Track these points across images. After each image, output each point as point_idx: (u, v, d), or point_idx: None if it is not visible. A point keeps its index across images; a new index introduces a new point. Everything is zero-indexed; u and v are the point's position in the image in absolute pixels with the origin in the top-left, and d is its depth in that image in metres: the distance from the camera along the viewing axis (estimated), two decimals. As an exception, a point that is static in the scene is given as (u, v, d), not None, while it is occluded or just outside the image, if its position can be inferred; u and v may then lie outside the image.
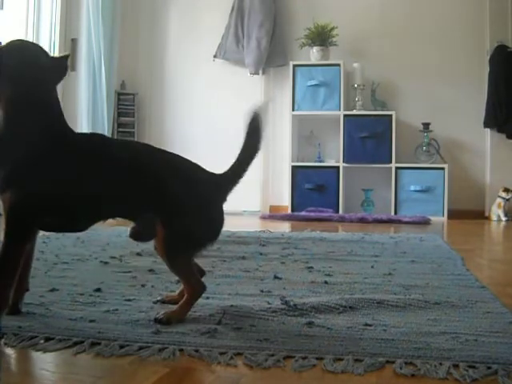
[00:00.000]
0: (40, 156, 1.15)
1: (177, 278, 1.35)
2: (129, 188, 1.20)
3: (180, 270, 1.23)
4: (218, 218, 1.27)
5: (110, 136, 5.12)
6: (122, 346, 1.02)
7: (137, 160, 1.23)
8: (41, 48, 1.23)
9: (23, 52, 1.19)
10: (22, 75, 1.17)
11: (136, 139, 5.41)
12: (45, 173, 1.14)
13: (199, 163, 1.29)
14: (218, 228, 1.27)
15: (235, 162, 1.30)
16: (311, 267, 1.93)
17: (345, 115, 4.94)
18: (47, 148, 1.16)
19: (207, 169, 1.29)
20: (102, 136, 1.29)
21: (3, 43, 1.21)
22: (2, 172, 1.13)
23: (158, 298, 1.38)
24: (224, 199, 1.29)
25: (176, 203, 1.20)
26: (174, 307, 1.24)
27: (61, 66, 1.23)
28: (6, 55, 1.17)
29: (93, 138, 1.28)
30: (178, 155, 1.28)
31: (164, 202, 1.20)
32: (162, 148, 1.29)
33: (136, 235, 1.26)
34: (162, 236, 1.18)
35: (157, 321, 1.17)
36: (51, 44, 5.11)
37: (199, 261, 1.37)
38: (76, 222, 1.24)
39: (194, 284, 1.23)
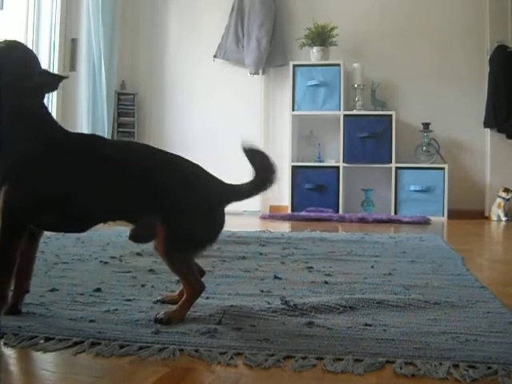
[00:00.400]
0: (35, 154, 1.16)
1: (177, 278, 1.35)
2: (128, 188, 1.20)
3: (180, 269, 1.23)
4: (217, 219, 1.27)
5: (109, 137, 5.13)
6: (122, 346, 1.03)
7: (136, 160, 1.24)
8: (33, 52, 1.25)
9: (22, 52, 1.21)
10: (20, 76, 1.17)
11: (136, 139, 5.41)
12: (39, 171, 1.15)
13: (199, 163, 1.29)
14: (217, 229, 1.27)
15: (250, 182, 1.31)
16: (311, 267, 1.93)
17: (345, 115, 4.94)
18: (43, 147, 1.17)
19: (209, 169, 1.29)
20: (99, 137, 1.29)
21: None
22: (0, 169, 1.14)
23: (158, 298, 1.38)
24: (224, 203, 1.29)
25: (176, 203, 1.20)
26: (174, 307, 1.24)
27: (52, 83, 1.23)
28: (6, 55, 1.18)
29: (90, 138, 1.28)
30: (178, 156, 1.28)
31: (164, 202, 1.20)
32: (162, 148, 1.29)
33: (136, 237, 1.26)
34: (162, 236, 1.19)
35: (157, 321, 1.17)
36: (51, 44, 5.11)
37: (199, 261, 1.37)
38: (73, 222, 1.24)
39: (194, 283, 1.23)
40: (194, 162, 1.29)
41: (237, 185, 1.30)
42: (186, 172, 1.26)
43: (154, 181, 1.21)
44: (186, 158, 1.29)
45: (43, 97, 1.23)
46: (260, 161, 1.32)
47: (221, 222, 1.27)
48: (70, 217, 1.21)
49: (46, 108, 1.24)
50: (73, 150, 1.20)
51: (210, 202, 1.26)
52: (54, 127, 1.21)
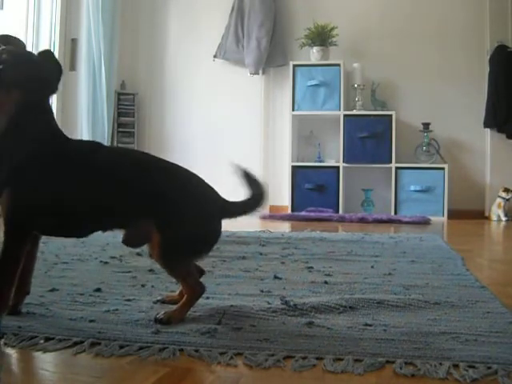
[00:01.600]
0: (37, 159, 1.16)
1: (177, 278, 1.35)
2: (124, 192, 1.20)
3: (177, 273, 1.24)
4: (213, 227, 1.27)
5: (109, 137, 5.13)
6: (121, 346, 1.03)
7: (133, 165, 1.24)
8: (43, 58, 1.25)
9: (31, 60, 1.21)
10: (29, 81, 1.18)
11: (136, 139, 5.41)
12: (40, 176, 1.16)
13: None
14: (213, 237, 1.27)
15: (243, 202, 1.33)
16: (311, 267, 1.93)
17: (345, 115, 4.94)
18: (44, 152, 1.17)
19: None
20: (98, 143, 1.30)
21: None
22: (2, 173, 1.14)
23: (158, 298, 1.38)
24: (220, 213, 1.28)
25: (172, 208, 1.20)
26: (174, 307, 1.24)
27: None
28: (15, 61, 1.18)
29: (89, 144, 1.29)
30: (177, 164, 1.29)
31: (160, 207, 1.19)
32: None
33: (129, 241, 1.26)
34: (157, 241, 1.18)
35: (157, 321, 1.17)
36: (51, 44, 5.11)
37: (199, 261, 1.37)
38: (71, 227, 1.24)
39: (193, 285, 1.24)
40: (192, 171, 1.29)
41: (232, 201, 1.31)
42: (184, 179, 1.27)
43: (150, 185, 1.21)
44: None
45: (48, 100, 1.24)
46: (254, 189, 1.34)
47: (217, 230, 1.27)
48: (68, 221, 1.21)
49: (50, 109, 1.24)
50: (72, 155, 1.20)
51: (206, 209, 1.26)
52: (54, 131, 1.22)
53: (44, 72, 1.21)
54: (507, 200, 4.79)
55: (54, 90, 1.24)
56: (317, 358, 0.98)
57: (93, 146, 1.26)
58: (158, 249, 1.19)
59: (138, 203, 1.20)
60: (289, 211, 4.88)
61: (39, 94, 1.21)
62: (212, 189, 1.29)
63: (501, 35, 4.92)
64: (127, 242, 1.27)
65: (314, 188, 4.89)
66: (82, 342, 1.04)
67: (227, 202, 1.30)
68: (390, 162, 4.84)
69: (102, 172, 1.20)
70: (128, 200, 1.20)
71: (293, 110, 5.03)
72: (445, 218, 4.68)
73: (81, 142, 1.32)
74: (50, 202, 1.16)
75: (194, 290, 1.24)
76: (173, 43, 5.63)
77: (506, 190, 4.80)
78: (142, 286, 1.57)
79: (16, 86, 1.17)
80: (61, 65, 1.26)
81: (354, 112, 5.01)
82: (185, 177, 1.27)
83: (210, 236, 1.26)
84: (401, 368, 0.94)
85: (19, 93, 1.17)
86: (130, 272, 1.79)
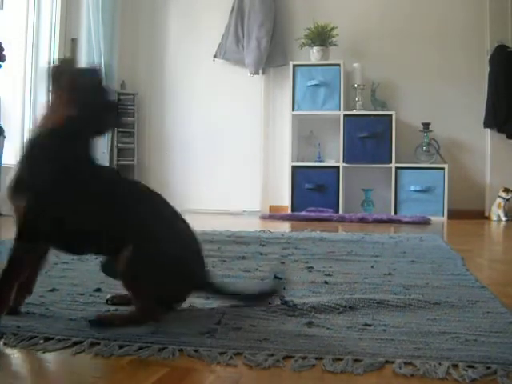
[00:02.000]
0: (59, 175, 1.16)
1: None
2: (122, 222, 1.19)
3: (136, 290, 1.18)
4: (182, 280, 1.22)
5: (109, 137, 5.12)
6: (121, 346, 1.02)
7: (140, 200, 1.23)
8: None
9: (107, 93, 1.27)
10: (90, 99, 1.23)
11: (136, 139, 5.41)
12: (54, 197, 1.15)
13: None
14: (181, 287, 1.23)
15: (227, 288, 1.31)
16: (311, 267, 1.93)
17: (345, 115, 4.94)
18: (70, 168, 1.18)
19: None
20: (115, 171, 1.31)
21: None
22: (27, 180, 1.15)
23: (108, 297, 1.37)
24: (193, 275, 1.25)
25: (151, 236, 1.18)
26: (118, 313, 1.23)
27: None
28: (87, 82, 1.25)
29: (107, 171, 1.33)
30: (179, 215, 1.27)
31: (143, 234, 1.18)
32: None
33: (109, 269, 1.24)
34: (126, 256, 1.14)
35: (91, 321, 1.15)
36: (51, 44, 5.11)
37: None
38: (71, 247, 1.24)
39: (146, 308, 1.17)
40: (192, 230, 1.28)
41: (214, 280, 1.29)
42: (176, 226, 1.25)
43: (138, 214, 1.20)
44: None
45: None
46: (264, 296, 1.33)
47: (190, 278, 1.23)
48: (71, 241, 1.21)
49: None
50: (91, 181, 1.20)
51: (185, 259, 1.22)
52: (87, 152, 1.22)
53: (106, 110, 1.24)
54: (507, 200, 4.79)
55: (97, 133, 1.25)
56: (316, 358, 0.98)
57: (112, 174, 1.28)
58: (124, 263, 1.14)
59: (130, 231, 1.18)
60: (289, 211, 4.88)
61: (90, 122, 1.22)
62: (202, 258, 1.26)
63: (501, 35, 4.92)
64: (107, 271, 1.26)
65: (314, 188, 4.89)
66: (81, 342, 1.04)
67: (208, 274, 1.27)
68: (390, 162, 4.84)
69: (114, 200, 1.20)
70: (125, 227, 1.19)
71: (293, 110, 5.03)
72: (445, 218, 4.68)
73: (101, 167, 1.29)
74: (58, 221, 1.16)
75: (145, 313, 1.16)
76: (173, 43, 5.63)
77: (506, 190, 4.80)
78: (142, 286, 1.57)
79: (76, 101, 1.19)
80: (120, 123, 1.25)
81: (354, 112, 5.02)
82: (182, 229, 1.25)
83: (178, 282, 1.20)
84: (400, 368, 0.94)
85: (74, 106, 1.18)
86: (129, 272, 1.78)
